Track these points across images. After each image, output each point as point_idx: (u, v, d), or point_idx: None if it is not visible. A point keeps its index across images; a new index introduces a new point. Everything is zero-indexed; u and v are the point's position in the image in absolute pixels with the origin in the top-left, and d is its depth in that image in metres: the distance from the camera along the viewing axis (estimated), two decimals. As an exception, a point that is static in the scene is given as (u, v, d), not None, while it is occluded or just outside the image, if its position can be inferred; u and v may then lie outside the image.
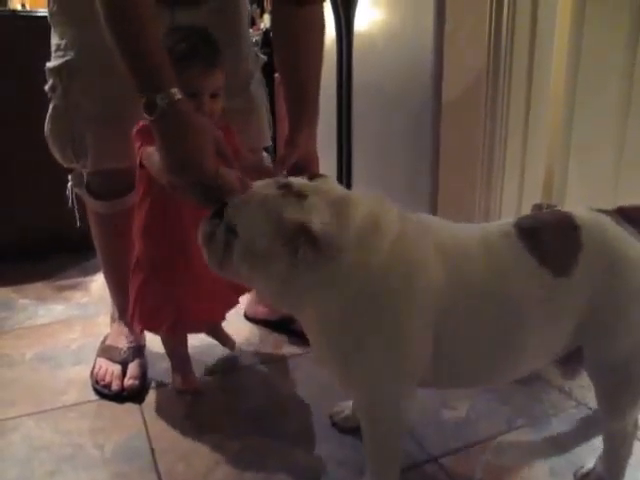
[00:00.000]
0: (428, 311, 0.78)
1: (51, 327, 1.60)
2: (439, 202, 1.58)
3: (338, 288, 0.78)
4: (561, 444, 1.05)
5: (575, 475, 0.96)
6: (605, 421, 0.89)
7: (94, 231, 1.36)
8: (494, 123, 1.40)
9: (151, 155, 1.00)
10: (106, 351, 1.33)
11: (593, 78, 1.35)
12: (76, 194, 1.32)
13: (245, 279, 0.86)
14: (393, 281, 0.77)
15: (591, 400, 1.14)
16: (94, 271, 1.95)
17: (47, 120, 1.22)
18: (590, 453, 0.97)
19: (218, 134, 0.94)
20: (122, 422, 1.15)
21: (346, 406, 1.11)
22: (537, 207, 1.34)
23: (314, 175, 0.85)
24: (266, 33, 2.69)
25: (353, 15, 1.70)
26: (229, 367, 1.35)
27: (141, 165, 1.07)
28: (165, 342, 1.25)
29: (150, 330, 1.23)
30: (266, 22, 2.94)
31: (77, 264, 2.06)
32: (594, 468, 0.94)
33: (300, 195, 0.78)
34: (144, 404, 1.21)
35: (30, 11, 2.45)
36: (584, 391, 1.18)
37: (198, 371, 1.30)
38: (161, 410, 1.19)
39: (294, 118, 1.14)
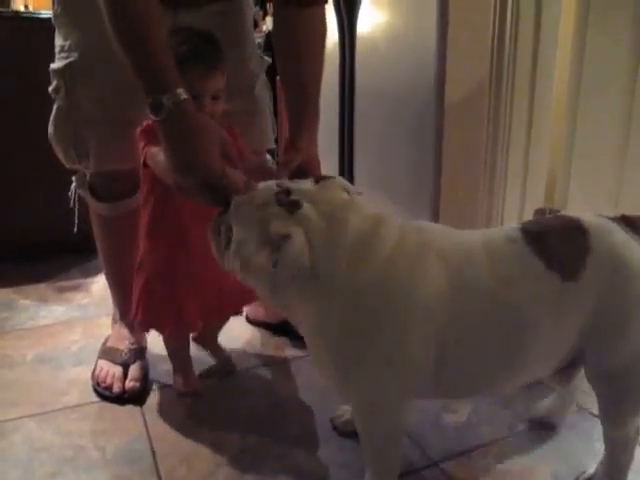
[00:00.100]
0: (428, 322, 0.77)
1: (52, 328, 1.60)
2: (441, 206, 1.58)
3: (329, 302, 0.78)
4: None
5: (577, 480, 0.96)
6: (607, 427, 0.89)
7: (96, 233, 1.36)
8: (497, 127, 1.40)
9: (155, 155, 1.00)
10: (107, 353, 1.33)
11: (596, 84, 1.35)
12: (79, 196, 1.32)
13: (240, 278, 0.88)
14: (389, 294, 0.77)
15: (592, 405, 1.14)
16: (95, 272, 1.95)
17: (51, 121, 1.22)
18: (592, 459, 0.97)
19: (224, 135, 0.95)
20: (123, 424, 1.15)
21: (346, 410, 1.11)
22: (540, 212, 1.34)
23: (321, 177, 0.84)
24: (268, 35, 2.69)
25: (356, 18, 1.71)
26: (230, 369, 1.35)
27: (145, 165, 1.07)
28: (167, 343, 1.25)
29: (153, 329, 1.23)
30: (268, 24, 2.94)
31: (78, 265, 2.06)
32: (595, 473, 0.94)
33: (295, 204, 0.78)
34: (145, 406, 1.21)
35: (33, 12, 2.46)
36: (586, 396, 1.17)
37: (199, 373, 1.30)
38: (162, 412, 1.19)
39: (295, 121, 1.14)
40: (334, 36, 1.78)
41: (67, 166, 1.26)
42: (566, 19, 1.38)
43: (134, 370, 1.27)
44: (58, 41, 1.19)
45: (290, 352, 1.43)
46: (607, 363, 0.83)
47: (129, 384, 1.23)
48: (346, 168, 1.84)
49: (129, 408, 1.20)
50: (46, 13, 1.84)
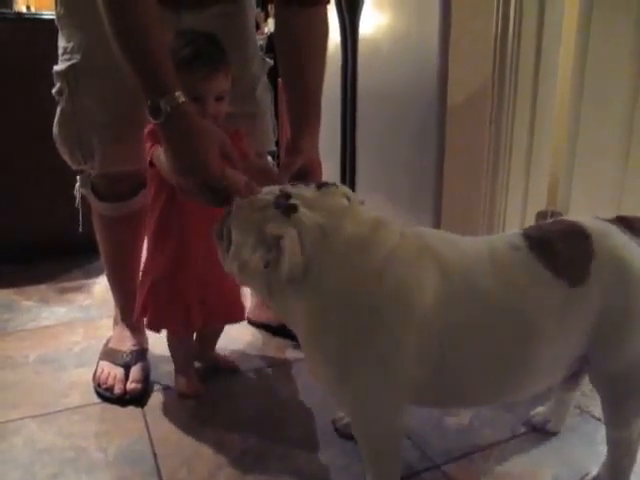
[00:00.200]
0: (424, 327, 0.76)
1: (54, 329, 1.60)
2: (443, 208, 1.58)
3: (321, 304, 0.78)
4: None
5: (579, 483, 0.96)
6: (610, 429, 0.89)
7: (98, 233, 1.36)
8: (499, 129, 1.40)
9: (161, 155, 1.01)
10: (109, 354, 1.33)
11: (599, 86, 1.35)
12: (82, 195, 1.32)
13: (239, 281, 0.89)
14: (382, 298, 0.76)
15: (595, 408, 1.14)
16: (97, 274, 1.95)
17: (55, 123, 1.22)
18: (594, 461, 0.97)
19: (223, 136, 0.95)
20: (125, 425, 1.15)
21: (348, 412, 1.11)
22: (541, 215, 1.34)
23: (322, 184, 0.85)
24: (270, 37, 2.69)
25: (358, 19, 1.70)
26: (232, 371, 1.35)
27: (152, 165, 1.08)
28: (171, 345, 1.26)
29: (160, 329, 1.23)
30: (270, 26, 2.95)
31: (80, 266, 2.06)
32: (598, 476, 0.94)
33: (292, 208, 0.78)
34: (146, 407, 1.21)
35: (35, 13, 2.46)
36: (588, 399, 1.17)
37: (200, 375, 1.30)
38: (164, 414, 1.18)
39: (296, 123, 1.15)
40: (336, 37, 1.78)
41: (73, 167, 1.27)
42: (569, 20, 1.38)
43: (135, 371, 1.27)
44: (61, 42, 1.19)
45: (291, 354, 1.43)
46: (611, 365, 0.83)
47: (130, 385, 1.23)
48: (348, 170, 1.84)
49: (130, 409, 1.20)
50: (48, 14, 1.85)
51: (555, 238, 0.81)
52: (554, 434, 1.09)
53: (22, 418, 1.17)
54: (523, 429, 1.12)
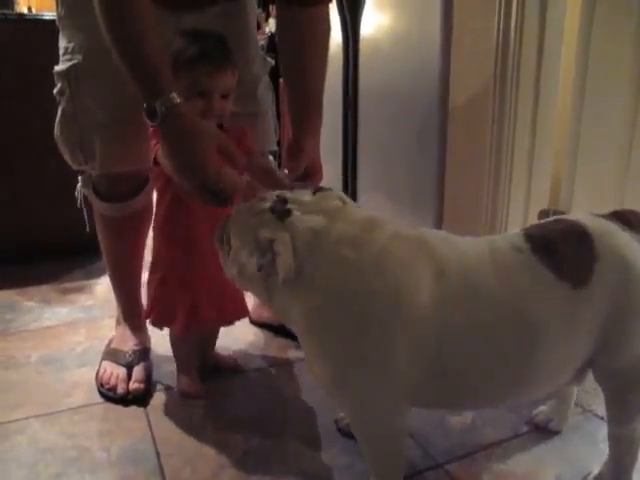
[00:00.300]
0: (419, 327, 0.75)
1: (56, 330, 1.60)
2: (445, 208, 1.58)
3: (315, 305, 0.78)
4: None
5: (582, 482, 0.96)
6: (612, 425, 0.89)
7: (100, 234, 1.36)
8: (501, 129, 1.40)
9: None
10: (111, 354, 1.33)
11: (601, 86, 1.35)
12: (84, 196, 1.33)
13: (239, 285, 0.90)
14: (373, 298, 0.76)
15: (597, 407, 1.14)
16: (99, 274, 1.95)
17: (56, 123, 1.22)
18: (596, 460, 0.97)
19: (220, 135, 0.96)
20: (127, 425, 1.15)
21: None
22: (544, 213, 1.34)
23: (318, 189, 0.86)
24: (271, 37, 2.70)
25: (359, 19, 1.70)
26: (234, 371, 1.35)
27: (157, 162, 1.08)
28: (174, 344, 1.26)
29: (166, 326, 1.23)
30: (271, 26, 2.95)
31: (82, 267, 2.06)
32: (600, 474, 0.94)
33: (286, 212, 0.80)
34: (149, 407, 1.21)
35: (36, 14, 2.47)
36: (590, 397, 1.17)
37: (203, 375, 1.30)
38: (166, 413, 1.19)
39: (298, 123, 1.15)
40: (337, 37, 1.78)
41: (74, 168, 1.27)
42: (571, 19, 1.38)
43: (138, 371, 1.27)
44: (62, 43, 1.19)
45: (293, 354, 1.43)
46: (615, 362, 0.83)
47: (133, 385, 1.24)
48: (349, 170, 1.84)
49: (133, 409, 1.20)
50: (49, 15, 1.85)
51: (557, 239, 0.81)
52: (556, 433, 1.09)
53: (25, 418, 1.17)
54: (525, 428, 1.12)
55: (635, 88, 1.28)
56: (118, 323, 1.42)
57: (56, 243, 2.12)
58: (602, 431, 0.92)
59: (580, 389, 1.15)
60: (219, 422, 1.16)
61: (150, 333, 1.39)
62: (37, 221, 2.11)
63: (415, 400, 0.83)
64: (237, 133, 1.15)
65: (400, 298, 0.76)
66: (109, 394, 1.23)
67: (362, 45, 1.74)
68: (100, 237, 1.37)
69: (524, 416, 1.14)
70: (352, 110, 1.80)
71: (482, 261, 0.79)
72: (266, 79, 1.38)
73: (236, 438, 1.10)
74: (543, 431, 1.10)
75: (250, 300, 1.31)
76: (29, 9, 2.90)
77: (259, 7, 2.82)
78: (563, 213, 0.94)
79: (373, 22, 1.75)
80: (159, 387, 1.28)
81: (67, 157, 1.24)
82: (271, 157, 1.47)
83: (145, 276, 1.26)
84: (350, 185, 1.83)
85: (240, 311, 1.26)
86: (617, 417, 0.88)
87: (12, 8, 2.41)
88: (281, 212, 0.80)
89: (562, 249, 0.79)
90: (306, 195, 0.84)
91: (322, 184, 1.11)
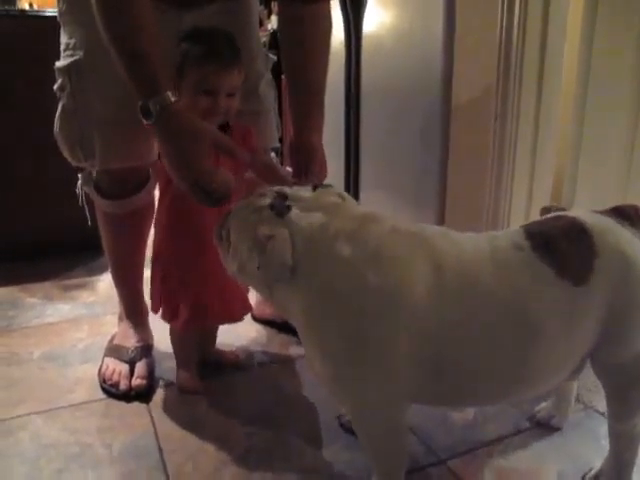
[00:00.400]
0: (416, 323, 0.75)
1: (58, 326, 1.60)
2: (447, 206, 1.57)
3: (312, 301, 0.79)
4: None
5: (583, 478, 0.96)
6: (613, 421, 0.89)
7: (102, 230, 1.36)
8: (504, 126, 1.40)
9: None
10: (114, 350, 1.33)
11: (604, 83, 1.35)
12: (86, 193, 1.33)
13: (240, 281, 0.91)
14: (368, 293, 0.76)
15: (599, 403, 1.14)
16: (101, 271, 1.96)
17: (56, 119, 1.22)
18: (598, 457, 0.97)
19: (216, 133, 0.96)
20: (130, 421, 1.15)
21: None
22: (546, 210, 1.34)
23: (317, 185, 0.87)
24: (273, 34, 2.70)
25: (362, 16, 1.70)
26: (236, 367, 1.35)
27: (160, 157, 1.08)
28: (173, 339, 1.27)
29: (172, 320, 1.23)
30: (273, 23, 2.95)
31: (84, 264, 2.07)
32: (601, 470, 0.94)
33: (285, 208, 0.80)
34: (152, 403, 1.21)
35: (38, 10, 2.46)
36: (592, 394, 1.18)
37: (205, 371, 1.30)
38: (169, 409, 1.19)
39: (300, 120, 1.15)
40: (340, 35, 1.78)
41: (73, 164, 1.26)
42: (574, 16, 1.38)
43: (140, 368, 1.27)
44: (63, 39, 1.19)
45: (295, 350, 1.43)
46: (616, 358, 0.83)
47: (135, 381, 1.24)
48: (352, 168, 1.83)
49: (136, 405, 1.20)
50: (51, 11, 1.85)
51: (557, 236, 0.80)
52: (558, 429, 1.09)
53: (28, 414, 1.17)
54: (527, 425, 1.12)
55: (638, 85, 1.28)
56: (120, 320, 1.43)
57: (58, 240, 2.12)
58: (603, 428, 0.92)
59: (581, 386, 1.16)
60: (221, 418, 1.16)
61: (152, 329, 1.39)
62: (39, 218, 2.11)
63: (415, 397, 0.83)
64: (242, 131, 1.16)
65: (398, 294, 0.76)
66: (111, 390, 1.24)
67: (364, 42, 1.74)
68: (102, 234, 1.37)
69: (526, 413, 1.14)
70: (354, 107, 1.80)
71: (481, 258, 0.79)
72: (268, 76, 1.38)
73: (238, 434, 1.11)
74: (545, 428, 1.10)
75: (253, 297, 1.31)
76: (30, 5, 2.90)
77: (261, 4, 2.82)
78: (565, 210, 0.94)
79: (375, 19, 1.74)
80: (161, 383, 1.28)
81: (66, 154, 1.24)
82: (273, 154, 1.47)
83: (147, 273, 1.26)
84: (352, 182, 1.83)
85: (244, 307, 1.26)
86: (618, 413, 0.88)
87: (14, 4, 2.40)
88: (280, 209, 0.80)
89: (562, 246, 0.79)
90: (306, 191, 0.84)
91: (325, 181, 1.12)
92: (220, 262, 0.93)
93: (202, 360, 1.35)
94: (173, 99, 0.92)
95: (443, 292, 0.76)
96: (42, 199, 2.10)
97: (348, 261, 0.77)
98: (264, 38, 2.57)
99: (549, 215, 0.90)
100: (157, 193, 1.22)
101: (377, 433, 0.85)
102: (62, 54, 1.19)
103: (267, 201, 0.82)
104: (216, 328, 1.36)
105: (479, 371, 0.79)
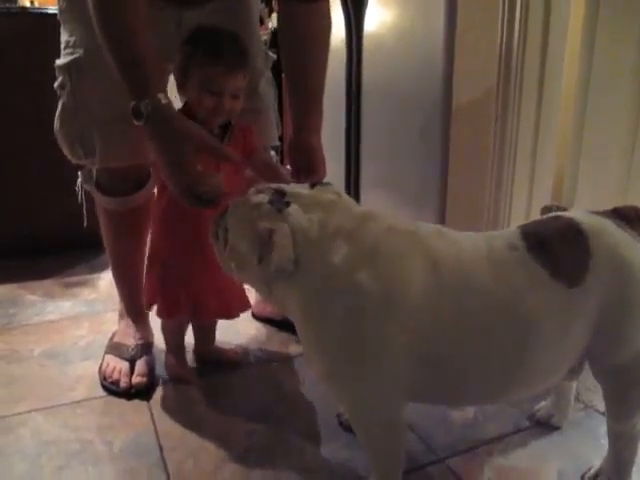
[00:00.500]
0: (413, 323, 0.75)
1: (59, 324, 1.60)
2: (447, 205, 1.58)
3: (310, 298, 0.79)
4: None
5: (583, 477, 0.96)
6: (612, 421, 0.89)
7: (103, 228, 1.36)
8: (504, 126, 1.40)
9: None
10: (114, 348, 1.33)
11: (605, 84, 1.35)
12: (86, 191, 1.33)
13: (237, 278, 0.90)
14: (364, 292, 0.76)
15: (598, 403, 1.14)
16: (102, 268, 1.96)
17: (56, 117, 1.22)
18: (598, 456, 0.97)
19: (202, 135, 0.97)
20: (130, 419, 1.15)
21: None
22: (547, 209, 1.34)
23: (316, 183, 0.87)
24: (274, 33, 2.69)
25: (363, 15, 1.70)
26: (235, 365, 1.35)
27: None
28: (164, 327, 1.28)
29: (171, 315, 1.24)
30: (274, 22, 2.95)
31: (85, 261, 2.07)
32: (601, 469, 0.94)
33: (284, 204, 0.80)
34: (152, 401, 1.21)
35: (39, 8, 2.46)
36: (591, 394, 1.18)
37: (205, 369, 1.31)
38: (169, 407, 1.19)
39: (299, 119, 1.15)
40: (340, 33, 1.78)
41: (73, 162, 1.27)
42: (575, 18, 1.38)
43: (141, 365, 1.27)
44: (63, 37, 1.19)
45: (295, 348, 1.43)
46: (613, 358, 0.83)
47: (136, 379, 1.24)
48: (352, 167, 1.84)
49: (136, 403, 1.21)
50: (52, 9, 1.85)
51: (553, 237, 0.80)
52: (558, 428, 1.10)
53: (28, 411, 1.17)
54: (527, 423, 1.12)
55: (638, 87, 1.28)
56: (121, 317, 1.43)
57: (59, 237, 2.12)
58: (603, 427, 0.92)
59: (581, 385, 1.16)
60: (222, 416, 1.17)
61: (153, 327, 1.40)
62: (40, 215, 2.12)
63: (412, 395, 0.83)
64: (242, 129, 1.16)
65: (395, 292, 0.76)
66: (112, 388, 1.24)
67: (365, 41, 1.74)
68: (103, 231, 1.37)
69: (526, 411, 1.14)
70: (355, 107, 1.80)
71: (478, 257, 0.79)
72: (268, 74, 1.38)
73: (238, 432, 1.11)
74: (544, 426, 1.10)
75: (252, 295, 1.31)
76: (31, 2, 2.89)
77: (262, 2, 2.81)
78: (565, 210, 0.94)
79: (376, 18, 1.74)
80: (162, 381, 1.28)
81: (66, 151, 1.24)
82: (273, 152, 1.47)
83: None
84: (353, 182, 1.83)
85: (242, 304, 1.26)
86: (616, 414, 0.88)
87: (15, 1, 2.40)
88: (279, 204, 0.80)
89: (557, 247, 0.79)
90: (304, 189, 0.84)
91: (325, 180, 1.12)
92: (216, 259, 0.92)
93: (201, 358, 1.35)
94: (164, 101, 0.93)
95: (440, 291, 0.76)
96: (42, 196, 2.10)
97: (347, 259, 0.77)
98: (265, 36, 2.56)
99: (549, 215, 0.90)
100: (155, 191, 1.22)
101: (374, 431, 0.85)
102: (62, 52, 1.19)
103: (265, 198, 0.82)
104: (215, 326, 1.36)
105: (475, 370, 0.80)
